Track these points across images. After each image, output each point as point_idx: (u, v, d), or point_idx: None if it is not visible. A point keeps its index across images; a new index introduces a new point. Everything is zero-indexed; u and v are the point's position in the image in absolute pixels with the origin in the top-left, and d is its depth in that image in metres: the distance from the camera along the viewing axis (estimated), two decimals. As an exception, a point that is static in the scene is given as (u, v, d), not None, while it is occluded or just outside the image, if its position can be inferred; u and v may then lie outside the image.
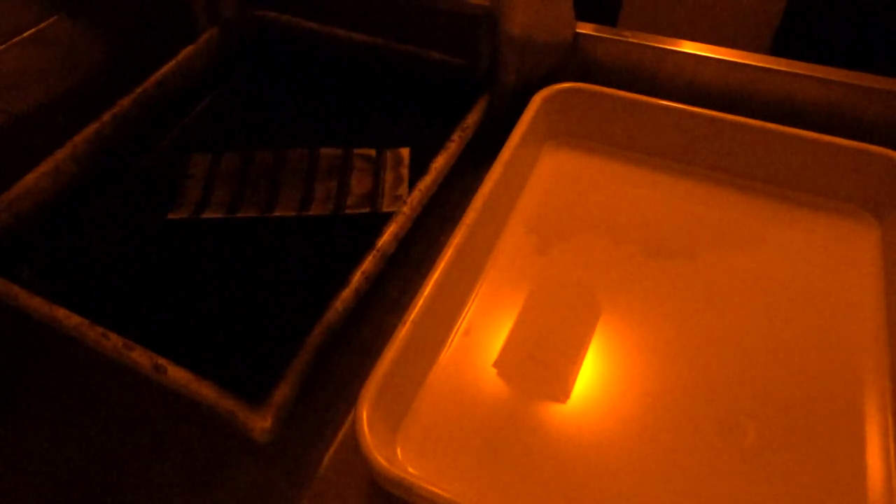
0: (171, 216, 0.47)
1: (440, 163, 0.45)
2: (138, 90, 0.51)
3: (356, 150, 0.49)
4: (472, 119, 0.48)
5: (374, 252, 0.39)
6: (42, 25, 0.55)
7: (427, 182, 0.43)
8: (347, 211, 0.46)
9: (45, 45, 0.56)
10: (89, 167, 0.47)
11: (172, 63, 0.53)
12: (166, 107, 0.53)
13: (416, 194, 0.43)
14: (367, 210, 0.45)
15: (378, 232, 0.40)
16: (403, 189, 0.46)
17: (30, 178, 0.44)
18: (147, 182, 0.50)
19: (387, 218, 0.41)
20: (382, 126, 0.53)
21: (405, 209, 0.41)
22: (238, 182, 0.48)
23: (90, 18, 0.59)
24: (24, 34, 0.54)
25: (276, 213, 0.46)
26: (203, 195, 0.48)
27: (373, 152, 0.49)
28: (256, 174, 0.49)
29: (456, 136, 0.46)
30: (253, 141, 0.53)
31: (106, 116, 0.48)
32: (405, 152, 0.48)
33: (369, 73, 0.56)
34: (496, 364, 0.37)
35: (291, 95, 0.57)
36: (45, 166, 0.45)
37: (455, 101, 0.50)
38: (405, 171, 0.47)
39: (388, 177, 0.47)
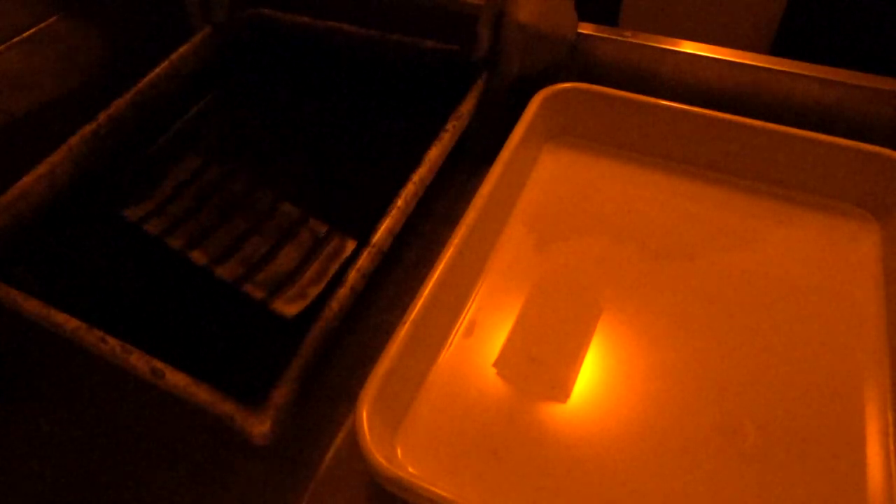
0: (126, 212, 0.46)
1: (434, 153, 0.44)
2: (133, 90, 0.50)
3: (312, 220, 0.46)
4: (465, 108, 0.47)
5: (370, 248, 0.39)
6: (42, 25, 0.56)
7: (422, 173, 0.42)
8: (245, 287, 0.42)
9: (45, 45, 0.56)
10: (85, 168, 0.47)
11: (166, 63, 0.52)
12: (161, 107, 0.52)
13: (411, 187, 0.42)
14: (261, 296, 0.41)
15: (372, 230, 0.40)
16: (314, 290, 0.41)
17: (26, 181, 0.44)
18: (142, 184, 0.49)
19: (273, 315, 0.40)
20: (375, 121, 0.53)
21: (399, 202, 0.41)
22: (197, 200, 0.47)
23: (89, 18, 0.59)
24: (24, 34, 0.54)
25: (193, 256, 0.44)
26: (167, 199, 0.47)
27: (324, 229, 0.45)
28: (216, 200, 0.47)
29: (450, 126, 0.45)
30: (244, 143, 0.53)
31: (101, 117, 0.48)
32: (350, 245, 0.44)
33: (364, 66, 0.55)
34: (496, 364, 0.37)
35: (285, 93, 0.57)
36: (41, 168, 0.44)
37: (450, 92, 0.49)
38: (334, 267, 0.43)
39: (315, 266, 0.43)
